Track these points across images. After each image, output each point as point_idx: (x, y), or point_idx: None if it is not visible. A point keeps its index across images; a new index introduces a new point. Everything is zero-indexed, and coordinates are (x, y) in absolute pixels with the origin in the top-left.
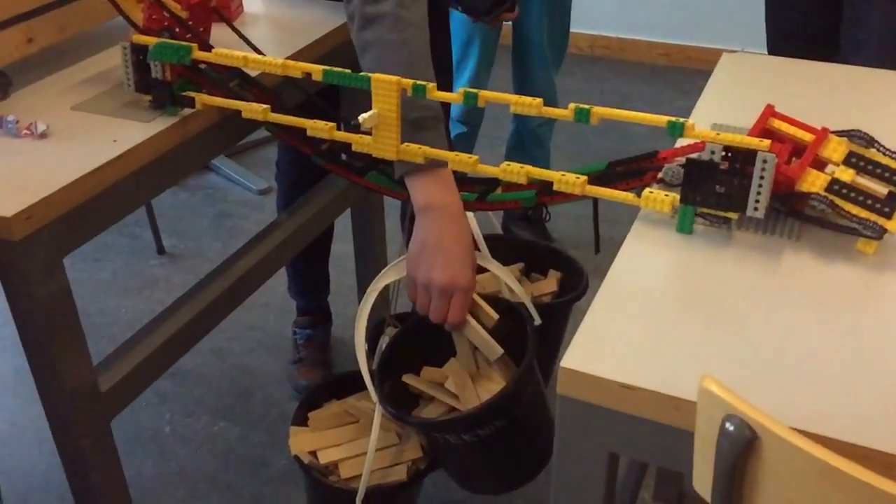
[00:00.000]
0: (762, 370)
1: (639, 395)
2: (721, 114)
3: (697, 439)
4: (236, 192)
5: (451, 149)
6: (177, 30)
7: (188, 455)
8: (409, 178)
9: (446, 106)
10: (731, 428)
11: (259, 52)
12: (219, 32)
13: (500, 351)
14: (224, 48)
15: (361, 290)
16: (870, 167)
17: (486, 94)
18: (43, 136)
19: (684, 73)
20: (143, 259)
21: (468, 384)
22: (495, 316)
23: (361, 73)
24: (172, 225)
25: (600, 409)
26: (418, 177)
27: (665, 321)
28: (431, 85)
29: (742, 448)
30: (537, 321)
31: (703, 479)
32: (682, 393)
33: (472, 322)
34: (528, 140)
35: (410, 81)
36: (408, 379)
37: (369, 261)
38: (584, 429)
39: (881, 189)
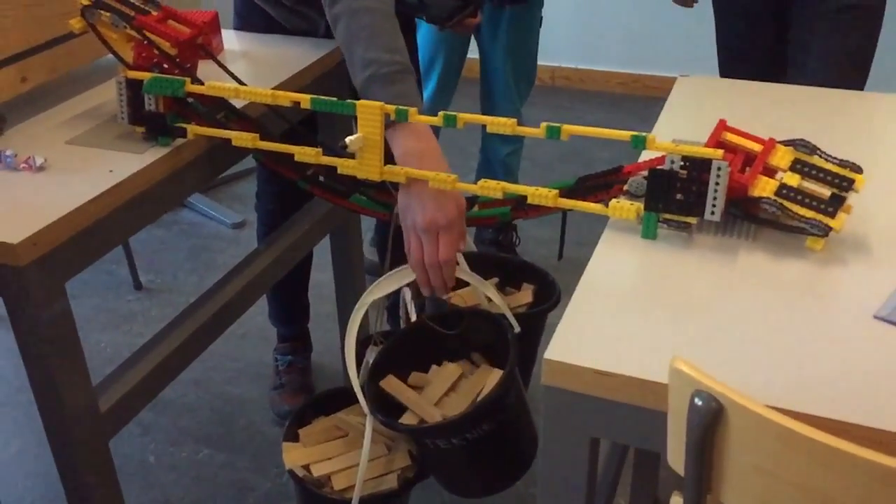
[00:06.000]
0: (725, 354)
1: (615, 380)
2: (678, 131)
3: (670, 416)
4: (211, 226)
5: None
6: (165, 66)
7: (173, 483)
8: (388, 132)
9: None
10: (700, 402)
11: (244, 85)
12: (202, 67)
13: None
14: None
15: (341, 315)
16: (814, 172)
17: (464, 117)
18: (41, 168)
19: (641, 101)
20: (120, 295)
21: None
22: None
23: (347, 101)
24: (148, 261)
25: (581, 395)
26: (395, 130)
27: (636, 315)
28: (413, 110)
29: (710, 419)
30: (517, 329)
31: (676, 453)
32: (654, 377)
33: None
34: (498, 169)
35: (393, 107)
36: (385, 385)
37: (348, 286)
38: (567, 415)
39: (825, 191)
